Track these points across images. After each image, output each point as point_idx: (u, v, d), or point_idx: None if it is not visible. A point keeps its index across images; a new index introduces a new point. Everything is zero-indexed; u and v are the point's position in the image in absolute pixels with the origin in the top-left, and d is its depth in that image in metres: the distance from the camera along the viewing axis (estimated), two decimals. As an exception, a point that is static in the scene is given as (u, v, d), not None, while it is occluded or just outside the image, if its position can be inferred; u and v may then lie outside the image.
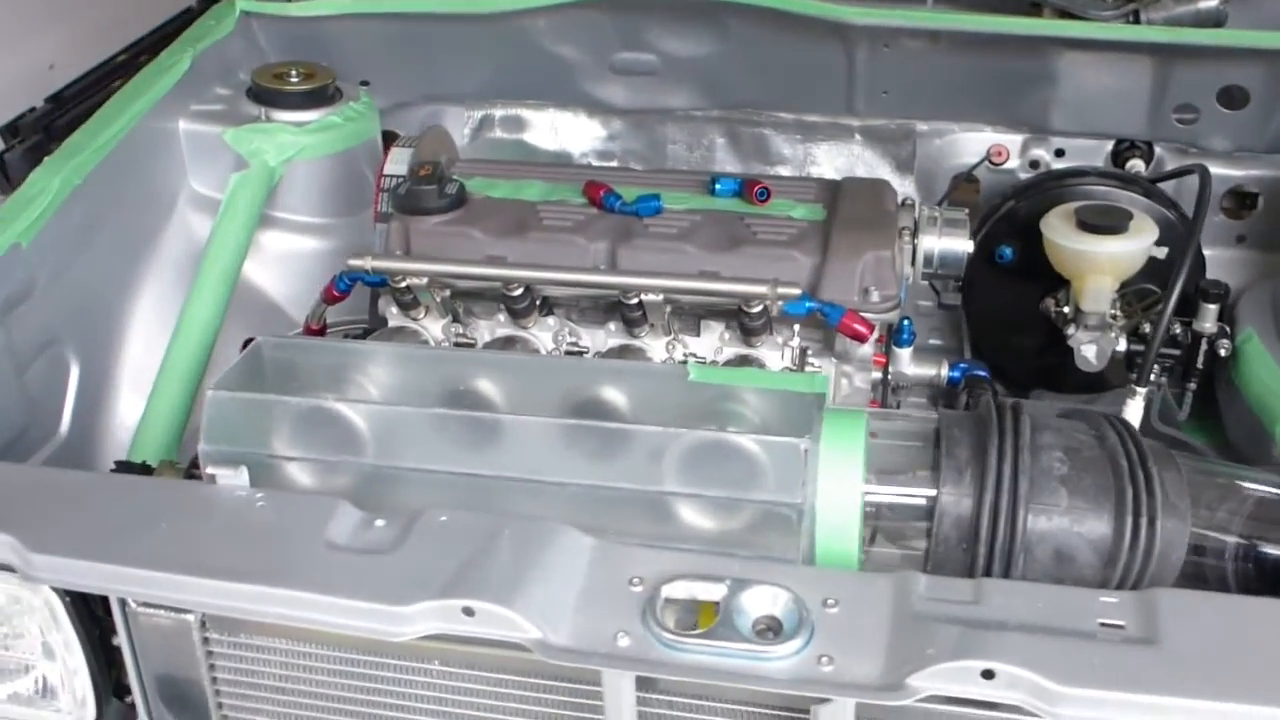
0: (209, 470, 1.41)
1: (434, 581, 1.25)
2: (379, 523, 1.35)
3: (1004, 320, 2.31)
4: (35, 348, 1.90)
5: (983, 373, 1.91)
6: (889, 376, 1.89)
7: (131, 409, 2.08)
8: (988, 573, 1.30)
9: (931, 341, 2.40)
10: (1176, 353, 2.13)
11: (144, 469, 1.66)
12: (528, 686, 1.32)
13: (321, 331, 1.95)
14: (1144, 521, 1.28)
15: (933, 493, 1.32)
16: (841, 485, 1.34)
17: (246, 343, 2.01)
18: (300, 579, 1.27)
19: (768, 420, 1.42)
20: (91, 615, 1.43)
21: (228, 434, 1.45)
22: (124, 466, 1.67)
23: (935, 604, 1.22)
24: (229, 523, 1.36)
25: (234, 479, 1.40)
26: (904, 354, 1.90)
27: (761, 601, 1.24)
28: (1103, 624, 1.19)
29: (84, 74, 2.65)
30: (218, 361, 2.04)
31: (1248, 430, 2.13)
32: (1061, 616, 1.19)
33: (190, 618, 1.36)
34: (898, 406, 1.96)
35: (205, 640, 1.39)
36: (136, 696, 1.46)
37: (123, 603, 1.37)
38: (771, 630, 1.24)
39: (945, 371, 1.93)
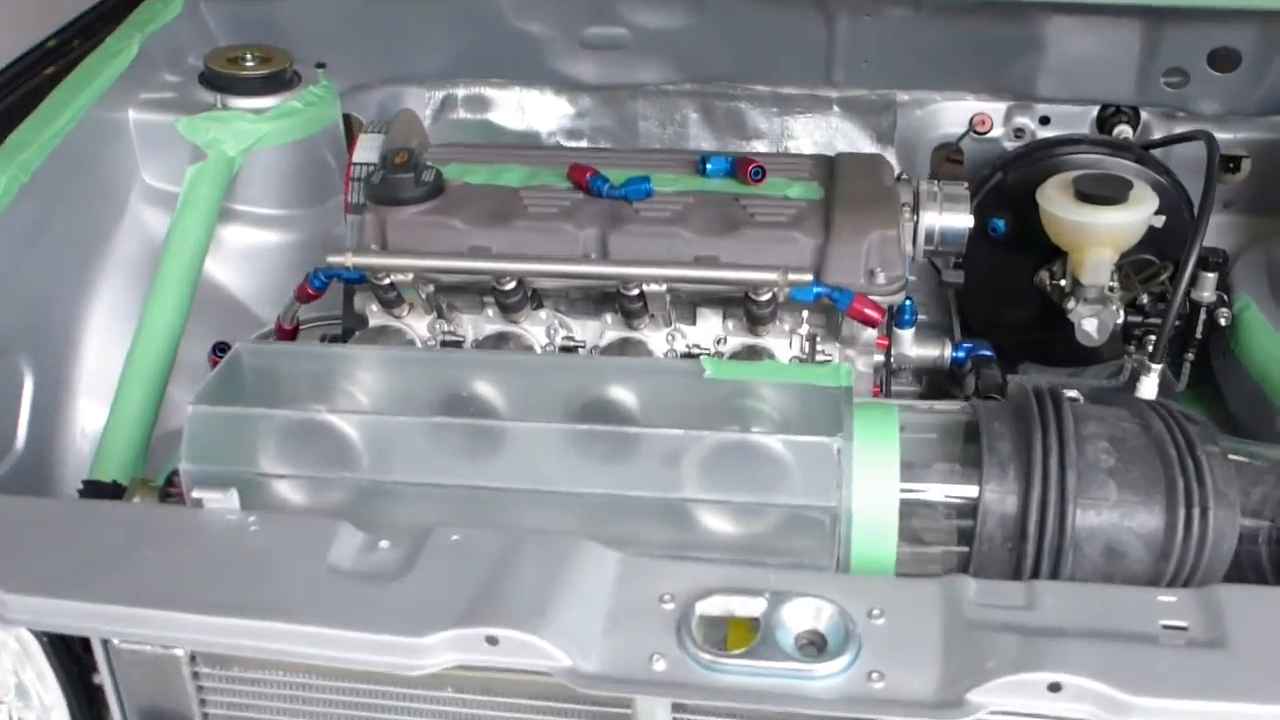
0: (194, 494, 1.30)
1: (451, 608, 1.16)
2: (384, 544, 1.26)
3: (994, 294, 2.25)
4: (-15, 359, 1.79)
5: (988, 353, 1.84)
6: (890, 359, 1.82)
7: (93, 418, 1.97)
8: (1035, 573, 1.23)
9: (920, 317, 2.33)
10: (1175, 323, 2.08)
11: (114, 489, 1.55)
12: (549, 711, 1.24)
13: (295, 332, 1.85)
14: (1196, 512, 1.22)
15: (974, 490, 1.25)
16: (877, 485, 1.27)
17: (216, 346, 1.92)
18: (305, 611, 1.17)
19: (792, 418, 1.34)
20: (70, 652, 1.32)
21: (211, 452, 1.35)
22: (93, 487, 1.56)
23: (988, 610, 1.15)
24: (221, 550, 1.26)
25: (223, 502, 1.29)
26: (906, 335, 1.84)
27: (803, 615, 1.16)
28: (1165, 626, 1.12)
29: (12, 61, 2.49)
30: (182, 366, 1.93)
31: (1249, 400, 2.09)
32: (1121, 619, 1.13)
33: (179, 652, 1.26)
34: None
35: (196, 675, 1.29)
36: (123, 740, 1.35)
37: (105, 641, 1.27)
38: (815, 645, 1.16)
39: (948, 352, 1.86)
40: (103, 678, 1.31)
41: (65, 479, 1.94)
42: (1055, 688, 1.06)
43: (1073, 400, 1.31)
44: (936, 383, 2.13)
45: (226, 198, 2.09)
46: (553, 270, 1.62)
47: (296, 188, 2.20)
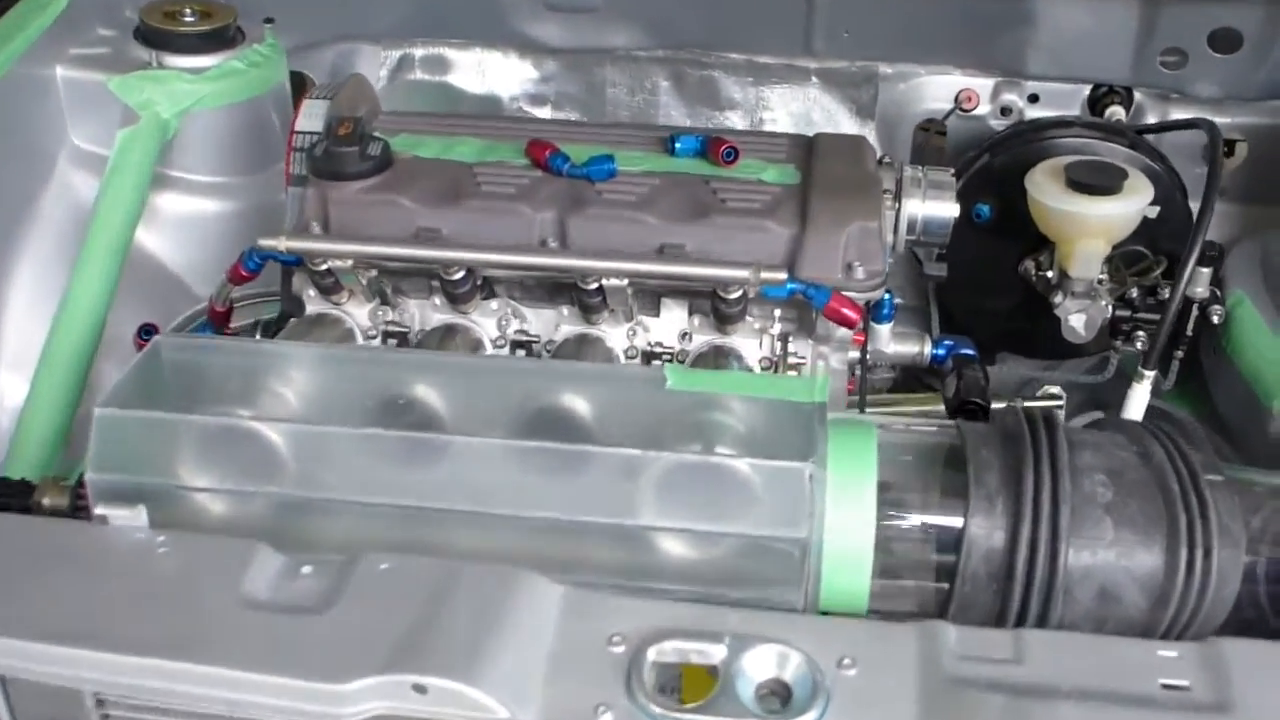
0: (99, 510, 1.18)
1: (377, 650, 1.04)
2: (305, 570, 1.14)
3: (975, 281, 2.14)
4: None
5: (970, 351, 1.73)
6: (866, 356, 1.71)
7: (16, 394, 1.83)
8: (1022, 616, 1.12)
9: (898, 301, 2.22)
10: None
11: (24, 487, 1.42)
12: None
13: (228, 314, 1.71)
14: (1199, 554, 1.11)
15: (959, 523, 1.14)
16: (852, 515, 1.16)
17: (142, 329, 1.79)
18: (215, 650, 1.05)
19: (761, 437, 1.22)
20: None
21: (120, 460, 1.22)
22: (1, 485, 1.43)
23: (969, 663, 1.04)
24: (125, 575, 1.13)
25: (130, 519, 1.17)
26: (883, 331, 1.71)
27: (767, 663, 1.06)
28: (1165, 685, 1.02)
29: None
30: (111, 343, 1.80)
31: (1239, 401, 1.99)
32: (1117, 677, 1.03)
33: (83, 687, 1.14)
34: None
35: (100, 703, 1.17)
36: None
37: (-2, 670, 1.15)
38: (778, 697, 1.05)
39: (928, 350, 1.74)
40: (-2, 705, 1.20)
41: (-17, 463, 1.81)
42: (1044, 759, 0.96)
43: (1067, 426, 1.19)
44: (913, 374, 2.03)
45: (161, 163, 1.94)
46: (502, 261, 1.50)
47: (236, 154, 2.05)
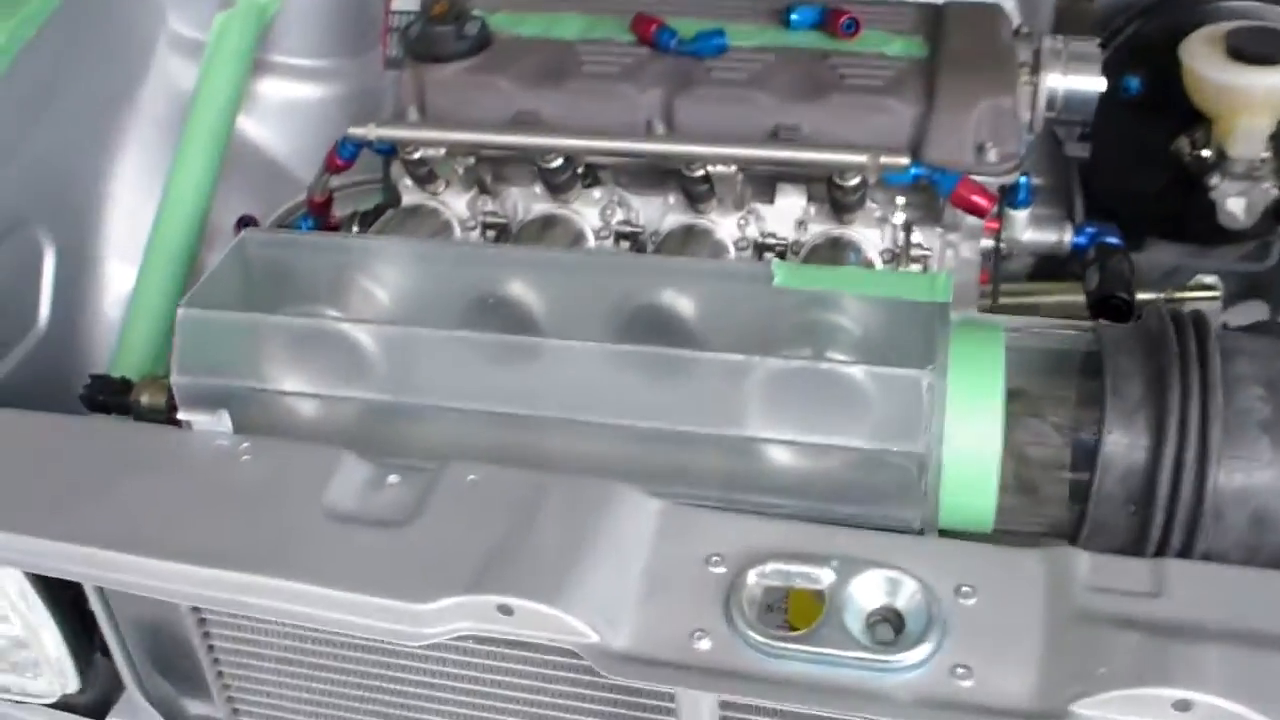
0: (181, 415, 1.14)
1: (462, 568, 0.99)
2: (392, 479, 1.09)
3: (1123, 160, 1.97)
4: (-4, 233, 1.63)
5: (1115, 239, 1.59)
6: (1001, 243, 1.58)
7: (125, 283, 1.81)
8: (1163, 545, 1.02)
9: (1035, 181, 2.07)
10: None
11: (123, 386, 1.40)
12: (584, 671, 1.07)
13: (327, 204, 1.66)
14: (1373, 477, 0.99)
15: (1094, 438, 1.03)
16: (976, 427, 1.06)
17: (240, 221, 1.74)
18: (294, 564, 1.01)
19: (876, 339, 1.12)
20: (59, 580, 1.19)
21: (205, 363, 1.18)
22: (99, 383, 1.41)
23: (1103, 596, 0.95)
24: (207, 484, 1.10)
25: (213, 424, 1.13)
26: (1019, 217, 1.58)
27: (877, 590, 0.97)
28: (1327, 625, 0.91)
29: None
30: (216, 234, 1.77)
31: None
32: (1271, 616, 0.92)
33: (174, 596, 1.11)
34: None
35: (196, 610, 1.15)
36: (122, 668, 1.23)
37: (90, 577, 1.13)
38: (890, 625, 0.97)
39: (1069, 237, 1.61)
40: (95, 611, 1.18)
41: (93, 356, 1.81)
42: (1183, 706, 0.87)
43: (1221, 331, 1.07)
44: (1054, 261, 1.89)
45: (260, 47, 1.89)
46: (600, 147, 1.40)
47: (337, 35, 1.98)
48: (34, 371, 1.70)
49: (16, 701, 1.27)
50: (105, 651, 1.24)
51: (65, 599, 1.21)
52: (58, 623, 1.19)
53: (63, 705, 1.27)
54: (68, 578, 1.10)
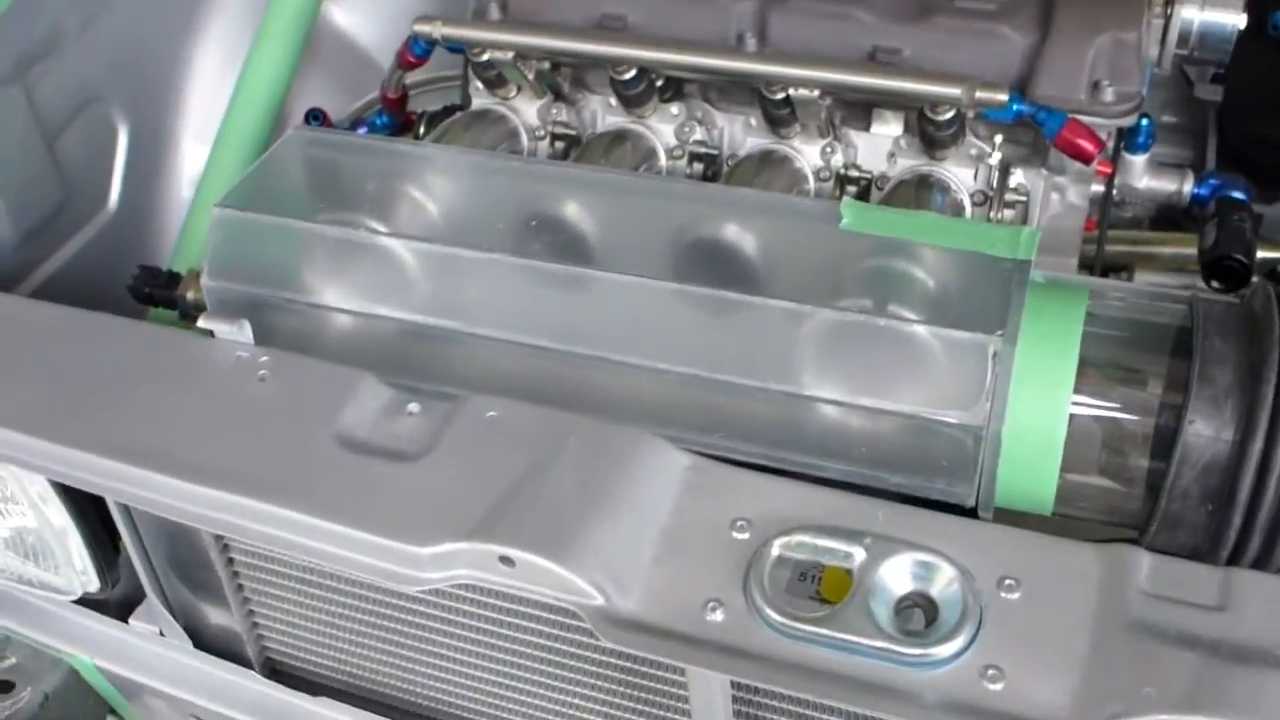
0: (203, 322, 1.09)
1: (467, 511, 0.93)
2: (412, 408, 1.03)
3: (1264, 104, 1.81)
4: (69, 109, 1.59)
5: (1239, 194, 1.44)
6: (1114, 190, 1.45)
7: (198, 168, 1.77)
8: (1240, 550, 0.91)
9: (1164, 119, 1.91)
10: None
11: (170, 279, 1.37)
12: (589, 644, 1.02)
13: (402, 100, 1.59)
14: None
15: (1174, 424, 0.93)
16: (1043, 401, 0.96)
17: (310, 115, 1.69)
18: (296, 493, 0.96)
19: (945, 297, 1.03)
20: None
21: (238, 268, 1.13)
22: (146, 274, 1.38)
23: (1163, 605, 0.85)
24: (223, 399, 1.05)
25: (234, 334, 1.08)
26: (1137, 162, 1.45)
27: (912, 573, 0.89)
28: None
29: None
30: (288, 126, 1.71)
31: None
32: (1352, 645, 0.82)
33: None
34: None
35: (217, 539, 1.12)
36: (142, 575, 1.20)
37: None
38: (922, 611, 0.89)
39: (1189, 187, 1.47)
40: (115, 518, 1.15)
41: (165, 238, 1.78)
42: (1234, 741, 0.77)
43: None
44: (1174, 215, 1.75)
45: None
46: (672, 61, 1.31)
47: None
48: (102, 252, 1.68)
49: (40, 595, 1.25)
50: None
51: (86, 500, 1.19)
52: (78, 523, 1.17)
53: (86, 602, 1.25)
54: (78, 486, 1.06)
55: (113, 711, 1.46)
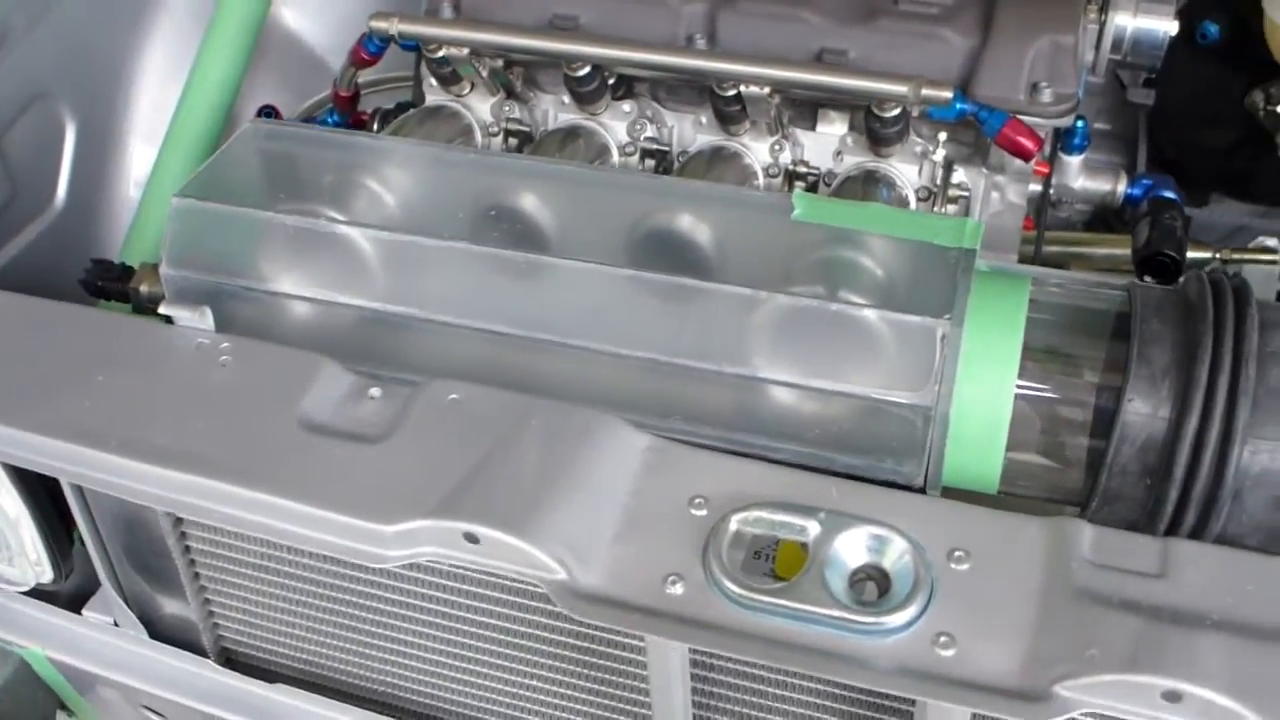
0: (164, 309, 1.10)
1: (430, 490, 0.95)
2: (374, 392, 1.05)
3: (1192, 111, 1.87)
4: (16, 104, 1.59)
5: (1170, 194, 1.50)
6: (1051, 189, 1.50)
7: (146, 168, 1.77)
8: (1177, 522, 0.95)
9: (1097, 125, 1.97)
10: None
11: (123, 272, 1.36)
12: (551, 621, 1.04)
13: (353, 99, 1.60)
14: None
15: (1114, 404, 0.97)
16: (989, 383, 0.99)
17: (262, 111, 1.70)
18: (260, 474, 0.98)
19: (894, 283, 1.06)
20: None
21: (197, 256, 1.14)
22: (100, 267, 1.37)
23: (1105, 574, 0.89)
24: (184, 384, 1.06)
25: (195, 321, 1.09)
26: (1073, 162, 1.50)
27: (865, 546, 0.92)
28: (1342, 625, 0.85)
29: None
30: (238, 126, 1.71)
31: None
32: (1281, 608, 0.86)
33: (144, 494, 1.08)
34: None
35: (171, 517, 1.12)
36: (97, 563, 1.20)
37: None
38: (875, 584, 0.92)
39: (1122, 188, 1.52)
40: (70, 503, 1.15)
41: (112, 236, 1.78)
42: (1173, 697, 0.81)
43: (1265, 302, 0.99)
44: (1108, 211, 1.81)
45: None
46: (626, 58, 1.33)
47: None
48: (50, 249, 1.68)
49: (-8, 586, 1.25)
50: (84, 543, 1.22)
51: (42, 489, 1.19)
52: (33, 513, 1.17)
53: (38, 594, 1.25)
54: (37, 470, 1.07)
55: (63, 706, 1.45)
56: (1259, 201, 1.96)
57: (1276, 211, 1.96)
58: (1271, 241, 1.82)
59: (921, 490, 1.03)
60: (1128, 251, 1.52)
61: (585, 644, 1.04)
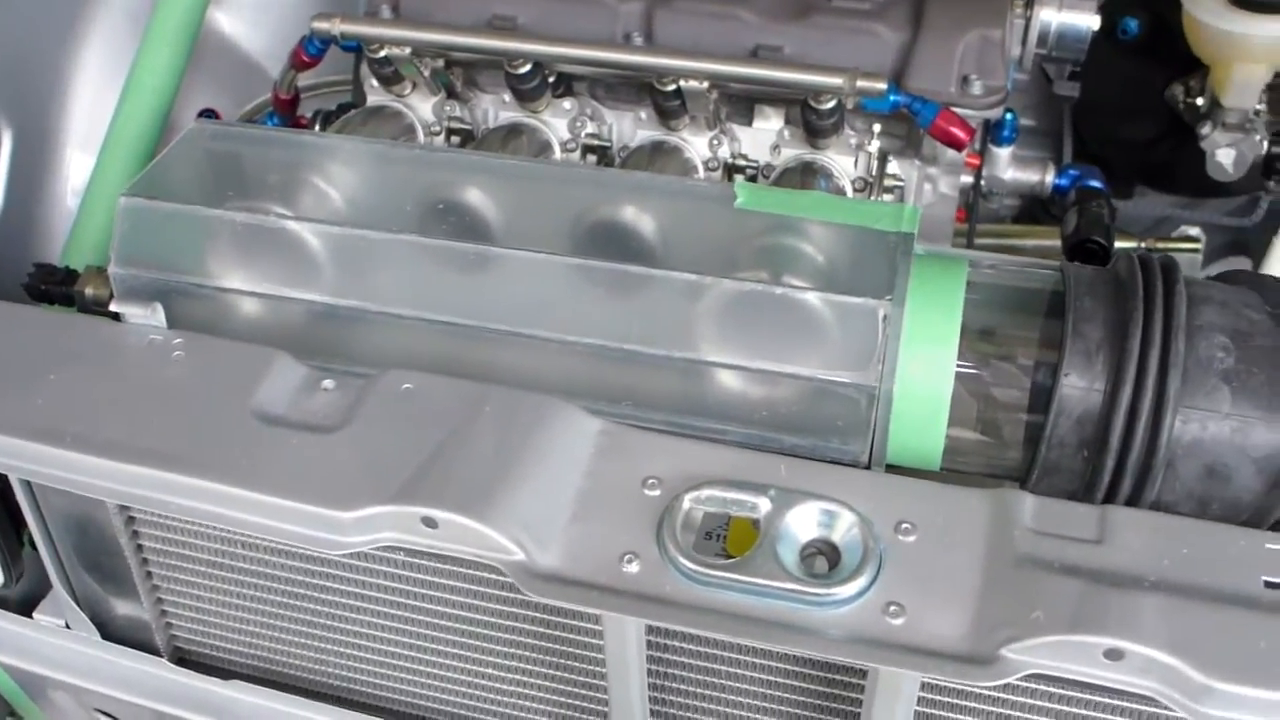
0: (115, 306, 1.11)
1: (388, 477, 0.96)
2: (327, 384, 1.06)
3: (1115, 106, 1.92)
4: (-49, 112, 1.58)
5: (1096, 183, 1.55)
6: (982, 181, 1.54)
7: (83, 172, 1.76)
8: (1113, 491, 0.99)
9: (1023, 122, 2.02)
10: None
11: (67, 276, 1.36)
12: (512, 589, 1.05)
13: (293, 102, 1.61)
14: (1331, 436, 0.96)
15: (1050, 380, 1.00)
16: (930, 363, 1.02)
17: (202, 115, 1.69)
18: (216, 465, 0.98)
19: (836, 267, 1.09)
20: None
21: (146, 255, 1.14)
22: (43, 271, 1.36)
23: (1045, 540, 0.92)
24: (136, 379, 1.06)
25: (147, 318, 1.09)
26: (1003, 155, 1.55)
27: (814, 522, 0.95)
28: (1269, 583, 0.89)
29: None
30: (176, 133, 1.71)
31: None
32: (1214, 570, 0.89)
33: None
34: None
35: (124, 507, 1.12)
36: (48, 564, 1.20)
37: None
38: (824, 558, 0.95)
39: (1050, 178, 1.57)
40: (20, 501, 1.15)
41: (50, 242, 1.76)
42: (1115, 655, 0.84)
43: (1191, 279, 1.03)
44: (1035, 204, 1.86)
45: (236, -63, 1.83)
46: (568, 54, 1.36)
47: (317, -74, 1.91)
48: (-14, 257, 1.66)
49: (-60, 591, 1.24)
50: (35, 546, 1.21)
51: (-4, 500, 1.19)
52: (-18, 512, 1.17)
53: (-14, 599, 1.25)
54: (-8, 468, 1.07)
55: (12, 713, 1.44)
56: (1181, 192, 2.01)
57: (1198, 202, 2.02)
58: (1194, 230, 1.88)
59: (866, 468, 1.05)
60: (1057, 243, 1.56)
61: (541, 629, 1.05)
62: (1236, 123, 1.67)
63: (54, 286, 1.35)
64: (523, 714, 1.15)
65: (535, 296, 1.10)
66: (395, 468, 0.96)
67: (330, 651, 1.17)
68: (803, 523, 0.94)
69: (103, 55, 1.80)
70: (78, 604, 1.22)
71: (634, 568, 0.93)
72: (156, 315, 1.10)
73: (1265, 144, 1.69)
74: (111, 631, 1.24)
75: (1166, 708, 0.85)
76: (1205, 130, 1.69)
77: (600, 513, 0.96)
